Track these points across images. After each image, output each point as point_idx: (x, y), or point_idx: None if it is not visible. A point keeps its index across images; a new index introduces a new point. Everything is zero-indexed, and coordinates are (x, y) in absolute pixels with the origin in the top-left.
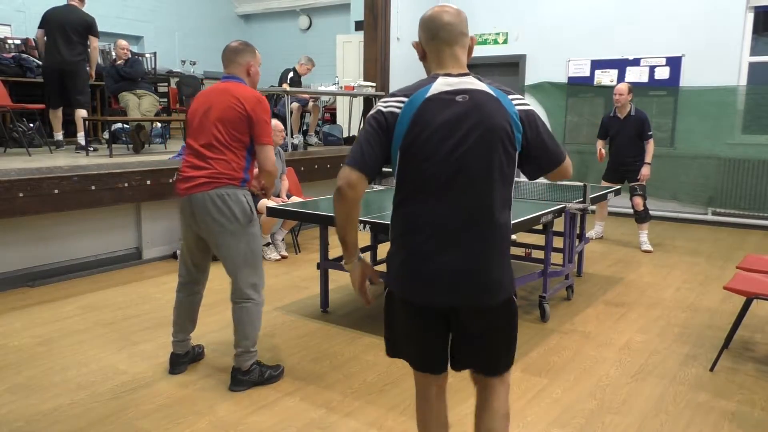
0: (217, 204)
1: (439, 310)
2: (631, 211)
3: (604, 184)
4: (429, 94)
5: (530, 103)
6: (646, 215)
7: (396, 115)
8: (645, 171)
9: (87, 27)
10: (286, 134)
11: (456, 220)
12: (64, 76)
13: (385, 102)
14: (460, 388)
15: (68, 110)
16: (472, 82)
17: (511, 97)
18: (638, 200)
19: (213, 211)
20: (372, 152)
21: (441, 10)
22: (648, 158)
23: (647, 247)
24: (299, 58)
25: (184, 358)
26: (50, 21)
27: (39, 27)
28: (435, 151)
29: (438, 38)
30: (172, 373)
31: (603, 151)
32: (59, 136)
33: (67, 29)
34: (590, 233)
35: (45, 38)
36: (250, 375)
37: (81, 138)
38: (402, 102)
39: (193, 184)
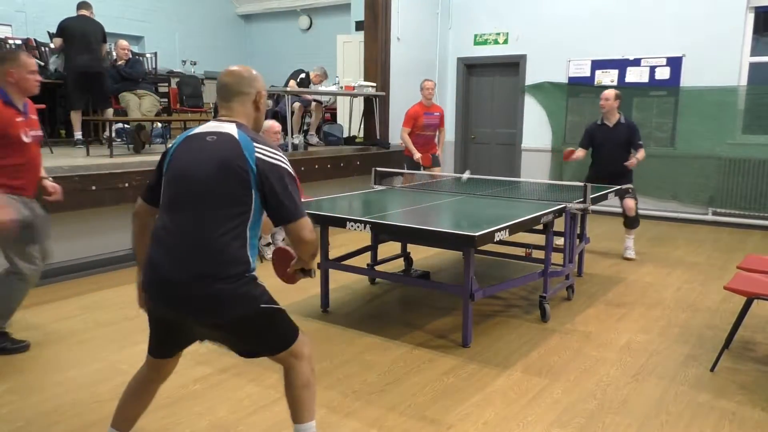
0: None
1: None
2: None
3: None
4: (190, 133)
5: (281, 159)
6: (637, 221)
7: (168, 150)
8: (633, 160)
9: (104, 35)
10: (287, 134)
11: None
12: (92, 81)
13: None
14: (460, 388)
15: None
16: (225, 127)
17: (256, 145)
18: (630, 203)
19: None
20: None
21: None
22: (640, 155)
23: (631, 254)
24: (315, 67)
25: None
26: (71, 30)
27: (56, 36)
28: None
29: (218, 96)
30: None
31: (577, 153)
32: (78, 135)
33: (89, 38)
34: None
35: (63, 46)
36: None
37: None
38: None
39: None
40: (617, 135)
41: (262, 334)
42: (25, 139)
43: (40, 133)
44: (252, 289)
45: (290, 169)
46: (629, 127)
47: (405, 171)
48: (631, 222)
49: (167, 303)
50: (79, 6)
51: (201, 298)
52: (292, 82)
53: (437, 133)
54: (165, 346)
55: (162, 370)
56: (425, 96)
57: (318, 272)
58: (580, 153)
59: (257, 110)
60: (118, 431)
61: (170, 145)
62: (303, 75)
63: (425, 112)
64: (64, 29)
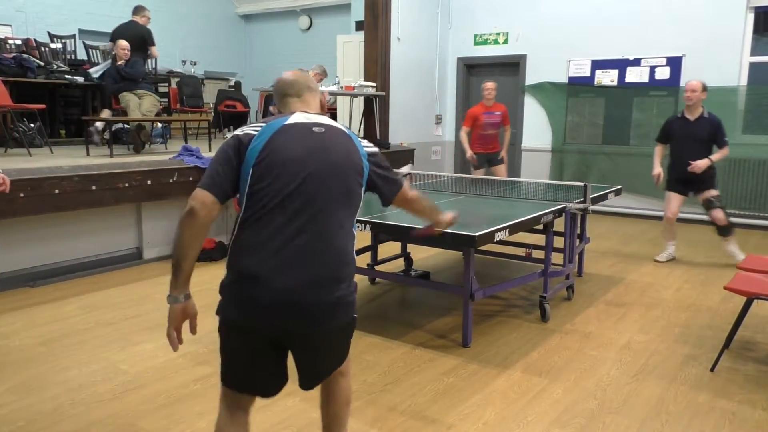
0: None
1: None
2: (631, 211)
3: (668, 194)
4: (289, 121)
5: (372, 145)
6: (729, 229)
7: (252, 136)
8: (698, 162)
9: (143, 40)
10: None
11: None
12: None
13: (241, 129)
14: (460, 388)
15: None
16: (322, 119)
17: (361, 140)
18: (719, 214)
19: None
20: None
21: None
22: (714, 156)
23: (740, 256)
24: (314, 66)
25: None
26: (115, 35)
27: (110, 40)
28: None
29: (288, 94)
30: None
31: (660, 170)
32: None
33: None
34: (660, 256)
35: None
36: None
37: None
38: (259, 126)
39: None
40: (699, 130)
41: (347, 344)
42: None
43: None
44: (355, 293)
45: (380, 152)
46: (713, 122)
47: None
48: (724, 231)
49: (283, 318)
50: (132, 11)
51: (324, 304)
52: None
53: (500, 131)
54: (270, 375)
55: (250, 407)
56: (485, 96)
57: None
58: (658, 152)
59: (322, 109)
60: None
61: (245, 132)
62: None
63: (485, 112)
64: (112, 34)
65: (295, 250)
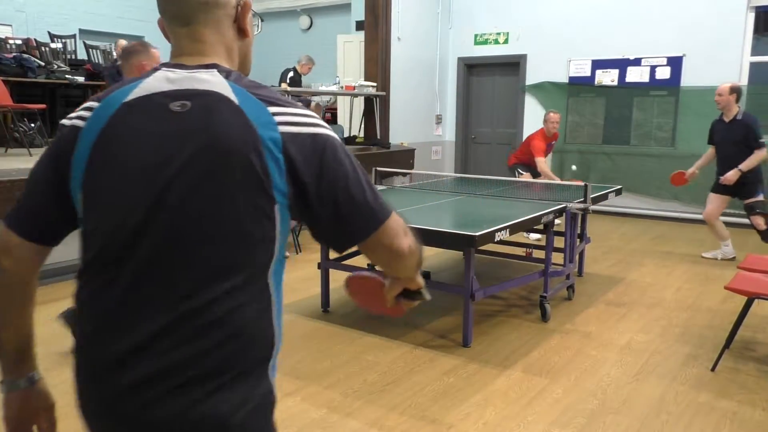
0: None
1: None
2: (631, 211)
3: (712, 197)
4: (129, 97)
5: (322, 124)
6: None
7: (77, 132)
8: (729, 174)
9: None
10: None
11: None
12: None
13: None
14: (461, 388)
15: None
16: (205, 80)
17: (274, 109)
18: (758, 219)
19: None
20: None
21: None
22: (743, 165)
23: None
24: (299, 58)
25: None
26: None
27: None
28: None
29: (166, 12)
30: None
31: (695, 171)
32: None
33: None
34: (715, 253)
35: None
36: None
37: None
38: (90, 109)
39: None
40: (734, 132)
41: None
42: None
43: None
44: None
45: (339, 140)
46: (744, 124)
47: (407, 171)
48: (764, 237)
49: (119, 421)
50: None
51: (183, 419)
52: (283, 85)
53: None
54: None
55: None
56: (549, 128)
57: (319, 272)
58: (708, 155)
59: (243, 36)
60: None
61: (72, 120)
62: (291, 73)
63: (548, 143)
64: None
65: (125, 323)
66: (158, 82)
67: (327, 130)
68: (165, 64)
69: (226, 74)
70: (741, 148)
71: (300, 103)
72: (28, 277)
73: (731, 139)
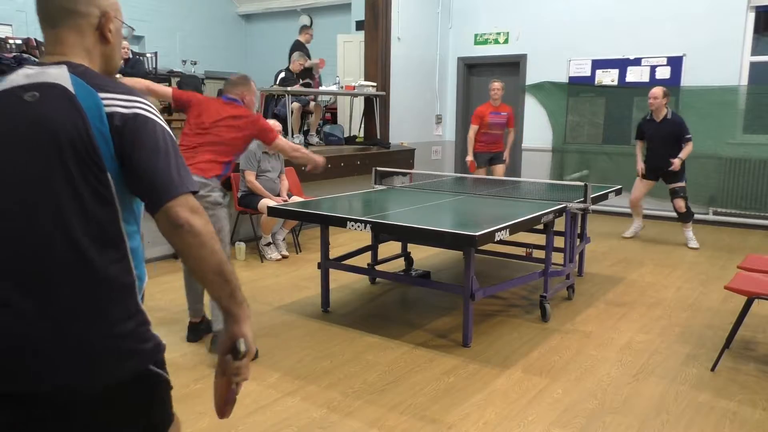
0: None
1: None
2: (630, 211)
3: (640, 181)
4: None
5: (143, 107)
6: (690, 214)
7: None
8: (675, 161)
9: None
10: (287, 134)
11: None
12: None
13: None
14: (461, 388)
15: None
16: (52, 74)
17: (104, 95)
18: (680, 202)
19: None
20: None
21: None
22: (682, 154)
23: (694, 244)
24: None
25: (201, 325)
26: None
27: None
28: None
29: (38, 14)
30: (189, 340)
31: (642, 164)
32: None
33: None
34: (633, 231)
35: None
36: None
37: None
38: None
39: None
40: (663, 130)
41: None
42: None
43: None
44: (138, 339)
45: (160, 120)
46: (675, 122)
47: (407, 171)
48: (684, 217)
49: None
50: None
51: (48, 347)
52: (275, 87)
53: (505, 132)
54: None
55: None
56: (492, 96)
57: (319, 272)
58: (639, 147)
59: (105, 42)
60: None
61: None
62: (282, 74)
63: (491, 112)
64: None
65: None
66: (18, 77)
67: (147, 112)
68: (28, 64)
69: (74, 69)
70: (670, 144)
71: (135, 90)
72: None
73: (662, 135)
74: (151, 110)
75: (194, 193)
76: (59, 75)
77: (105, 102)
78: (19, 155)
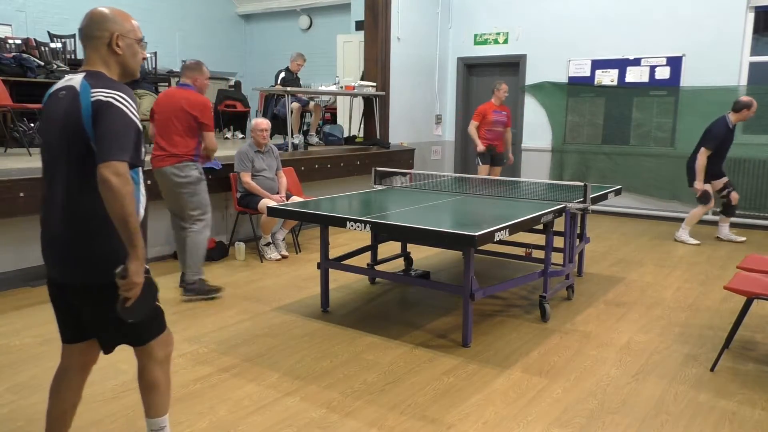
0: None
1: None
2: (631, 211)
3: (711, 186)
4: (50, 91)
5: (113, 96)
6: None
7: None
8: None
9: None
10: (287, 134)
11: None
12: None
13: None
14: (460, 388)
15: None
16: (73, 79)
17: (94, 90)
18: (736, 195)
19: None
20: None
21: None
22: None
23: (740, 238)
24: (291, 56)
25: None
26: None
27: None
28: (43, 141)
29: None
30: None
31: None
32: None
33: None
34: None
35: None
36: (193, 285)
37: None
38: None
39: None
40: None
41: (102, 311)
42: None
43: None
44: (110, 249)
45: (123, 107)
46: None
47: (407, 171)
48: (733, 211)
49: (50, 263)
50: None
51: (60, 260)
52: (277, 87)
53: (505, 131)
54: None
55: (76, 358)
56: (500, 96)
57: (318, 272)
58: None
59: (115, 54)
60: None
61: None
62: (283, 73)
63: (494, 110)
64: None
65: (44, 210)
66: (60, 81)
67: (115, 101)
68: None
69: (88, 76)
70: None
71: (121, 85)
72: None
73: (731, 140)
74: (120, 100)
75: (133, 165)
76: (76, 80)
77: (93, 93)
78: (55, 131)
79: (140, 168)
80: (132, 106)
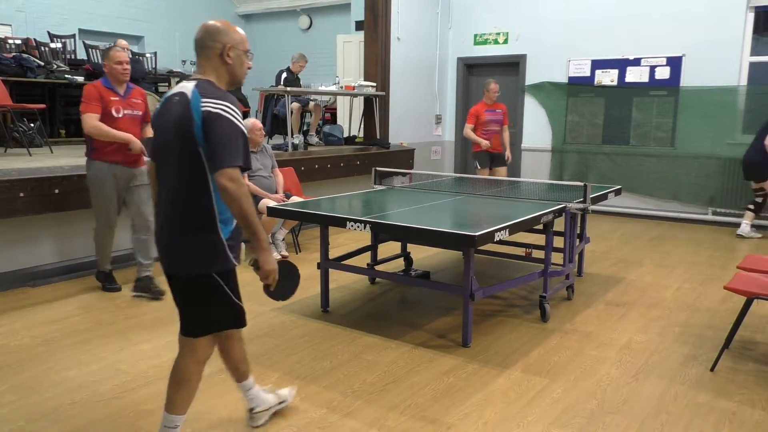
0: None
1: None
2: (631, 211)
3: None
4: (167, 95)
5: (221, 107)
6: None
7: None
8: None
9: None
10: (287, 135)
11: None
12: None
13: None
14: (460, 388)
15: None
16: (185, 86)
17: (204, 100)
18: None
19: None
20: None
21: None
22: None
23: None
24: (292, 56)
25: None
26: None
27: None
28: (155, 140)
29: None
30: (105, 289)
31: None
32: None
33: None
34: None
35: None
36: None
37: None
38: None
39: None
40: None
41: (198, 303)
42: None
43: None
44: (210, 248)
45: (232, 118)
46: None
47: (407, 171)
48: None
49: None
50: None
51: (164, 251)
52: (278, 87)
53: (500, 129)
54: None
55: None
56: (489, 96)
57: (318, 272)
58: None
59: (225, 63)
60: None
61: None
62: (285, 74)
63: (487, 109)
64: None
65: (156, 206)
66: (175, 87)
67: (224, 112)
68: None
69: (198, 83)
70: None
71: (227, 94)
72: None
73: None
74: (227, 110)
75: (245, 168)
76: (188, 87)
77: (203, 104)
78: (169, 133)
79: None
80: (237, 114)
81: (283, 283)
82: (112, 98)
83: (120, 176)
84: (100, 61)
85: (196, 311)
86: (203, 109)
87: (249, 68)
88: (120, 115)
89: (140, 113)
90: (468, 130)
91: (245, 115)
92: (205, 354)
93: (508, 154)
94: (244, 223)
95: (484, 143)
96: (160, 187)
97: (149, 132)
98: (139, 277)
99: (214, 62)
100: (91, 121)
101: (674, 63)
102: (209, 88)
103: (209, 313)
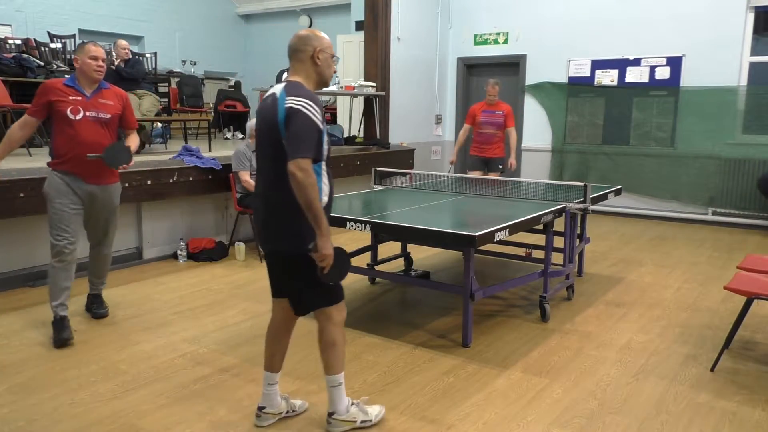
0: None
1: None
2: (631, 211)
3: None
4: (266, 95)
5: (301, 104)
6: None
7: None
8: None
9: None
10: None
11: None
12: None
13: None
14: (460, 388)
15: None
16: (277, 87)
17: (288, 97)
18: None
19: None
20: None
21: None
22: None
23: None
24: None
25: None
26: None
27: None
28: (256, 139)
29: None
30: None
31: None
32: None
33: None
34: None
35: None
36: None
37: None
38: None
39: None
40: None
41: (309, 277)
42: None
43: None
44: (287, 226)
45: (309, 113)
46: None
47: (407, 171)
48: None
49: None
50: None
51: (263, 230)
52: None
53: (500, 133)
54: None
55: (278, 312)
56: (487, 97)
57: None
58: None
59: (316, 65)
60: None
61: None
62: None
63: (484, 110)
64: None
65: (256, 193)
66: (272, 89)
67: (302, 108)
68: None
69: (287, 84)
70: None
71: (310, 93)
72: None
73: None
74: (307, 107)
75: (316, 160)
76: (279, 88)
77: (287, 101)
78: (264, 126)
79: (323, 162)
80: (317, 111)
81: (336, 267)
82: (72, 98)
83: (81, 194)
84: None
85: (313, 285)
86: (286, 105)
87: (335, 72)
88: (77, 117)
89: (108, 116)
90: (461, 132)
91: (245, 116)
92: (340, 317)
93: (512, 160)
94: (308, 209)
95: (452, 158)
96: (259, 173)
97: (132, 140)
98: (88, 293)
99: (306, 64)
100: (16, 123)
101: (674, 63)
102: (295, 87)
103: (321, 284)
